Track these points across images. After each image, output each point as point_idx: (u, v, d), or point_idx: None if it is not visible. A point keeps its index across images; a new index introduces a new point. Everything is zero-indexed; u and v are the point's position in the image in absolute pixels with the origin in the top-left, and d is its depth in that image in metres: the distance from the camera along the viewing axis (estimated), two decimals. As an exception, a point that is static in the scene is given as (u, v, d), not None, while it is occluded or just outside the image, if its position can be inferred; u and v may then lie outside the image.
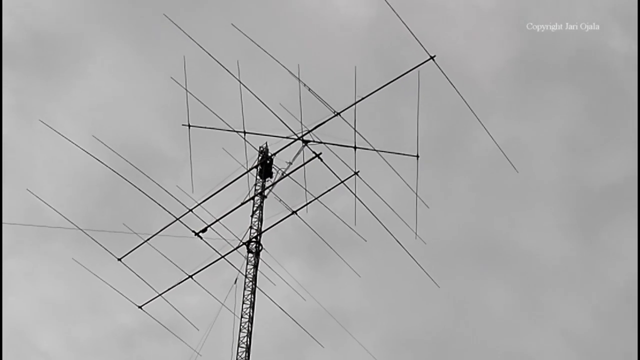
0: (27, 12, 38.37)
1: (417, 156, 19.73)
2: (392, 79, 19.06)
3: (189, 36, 18.60)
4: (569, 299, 36.06)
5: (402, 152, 19.82)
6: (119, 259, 19.96)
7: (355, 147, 19.73)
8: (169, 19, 18.66)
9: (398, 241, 19.64)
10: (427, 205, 20.09)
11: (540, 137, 38.16)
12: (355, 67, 19.05)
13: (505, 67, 38.56)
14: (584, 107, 38.61)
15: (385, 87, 19.19)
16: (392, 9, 17.56)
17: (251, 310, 19.05)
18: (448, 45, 36.71)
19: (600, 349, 34.56)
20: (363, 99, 19.30)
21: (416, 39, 17.93)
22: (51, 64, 38.65)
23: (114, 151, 19.69)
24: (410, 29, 17.73)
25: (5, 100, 37.65)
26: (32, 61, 39.19)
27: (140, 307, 20.03)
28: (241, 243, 20.00)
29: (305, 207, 20.24)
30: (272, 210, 20.72)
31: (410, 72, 18.79)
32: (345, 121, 19.52)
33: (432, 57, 18.34)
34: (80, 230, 19.73)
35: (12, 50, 38.81)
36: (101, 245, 19.68)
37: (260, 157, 20.90)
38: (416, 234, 19.89)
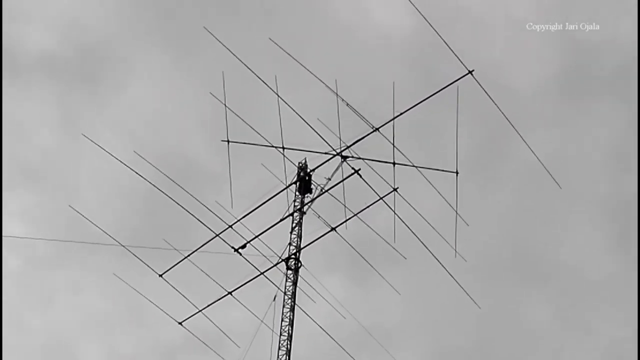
0: (72, 27, 39.08)
1: (457, 172, 19.58)
2: (430, 94, 18.98)
3: (227, 49, 18.66)
4: (613, 316, 35.33)
5: (442, 168, 19.71)
6: (160, 275, 20.12)
7: (394, 163, 19.65)
8: (209, 31, 18.69)
9: (438, 259, 19.50)
10: (466, 223, 19.92)
11: (584, 151, 37.62)
12: (394, 82, 19.02)
13: (548, 80, 38.16)
14: (629, 119, 37.96)
15: (423, 102, 19.10)
16: (429, 23, 17.46)
17: (290, 328, 19.02)
18: (488, 59, 36.45)
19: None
20: (402, 114, 19.23)
21: (454, 53, 17.81)
22: (95, 78, 39.25)
23: (155, 167, 19.90)
24: (448, 42, 17.60)
25: (50, 114, 38.46)
26: (77, 75, 39.84)
27: (180, 323, 20.15)
28: (280, 260, 20.00)
29: (345, 223, 20.21)
30: (311, 226, 20.69)
31: (449, 86, 18.70)
32: (384, 136, 19.47)
33: (470, 72, 18.20)
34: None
35: (58, 64, 39.58)
36: (142, 261, 19.87)
37: (299, 173, 20.91)
38: (456, 251, 19.74)
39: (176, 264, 19.98)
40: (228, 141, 20.49)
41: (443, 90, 18.81)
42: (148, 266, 19.87)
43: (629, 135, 37.68)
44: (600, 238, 36.62)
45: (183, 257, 19.93)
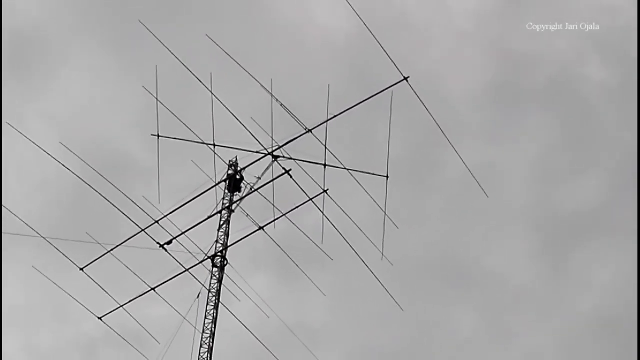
0: (4, 10, 37.91)
1: (387, 177, 19.67)
2: (365, 98, 19.04)
3: (161, 43, 18.46)
4: (534, 324, 36.09)
5: (372, 172, 19.77)
6: (81, 269, 19.68)
7: (325, 165, 19.65)
8: (144, 24, 18.50)
9: (364, 261, 19.57)
10: (396, 226, 20.03)
11: (513, 162, 38.34)
12: (329, 85, 19.01)
13: (482, 90, 38.78)
14: (557, 133, 38.88)
15: (358, 106, 19.16)
16: (367, 27, 17.54)
17: (213, 326, 18.82)
18: (426, 66, 36.83)
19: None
20: (335, 116, 19.25)
21: (390, 59, 17.92)
22: (26, 65, 38.21)
23: (81, 159, 19.47)
24: (386, 49, 17.72)
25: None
26: (8, 61, 38.69)
27: (100, 318, 19.76)
28: (206, 257, 19.78)
29: (273, 223, 20.12)
30: (240, 224, 20.55)
31: (384, 92, 18.79)
32: (317, 138, 19.47)
33: (405, 78, 18.34)
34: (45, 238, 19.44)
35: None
36: (63, 254, 19.41)
37: (229, 171, 20.73)
38: (383, 254, 19.83)
39: (98, 258, 19.63)
40: (158, 136, 20.24)
41: (378, 96, 18.93)
42: (69, 259, 19.45)
43: (556, 148, 38.66)
44: (524, 246, 37.40)
45: (106, 251, 19.57)
